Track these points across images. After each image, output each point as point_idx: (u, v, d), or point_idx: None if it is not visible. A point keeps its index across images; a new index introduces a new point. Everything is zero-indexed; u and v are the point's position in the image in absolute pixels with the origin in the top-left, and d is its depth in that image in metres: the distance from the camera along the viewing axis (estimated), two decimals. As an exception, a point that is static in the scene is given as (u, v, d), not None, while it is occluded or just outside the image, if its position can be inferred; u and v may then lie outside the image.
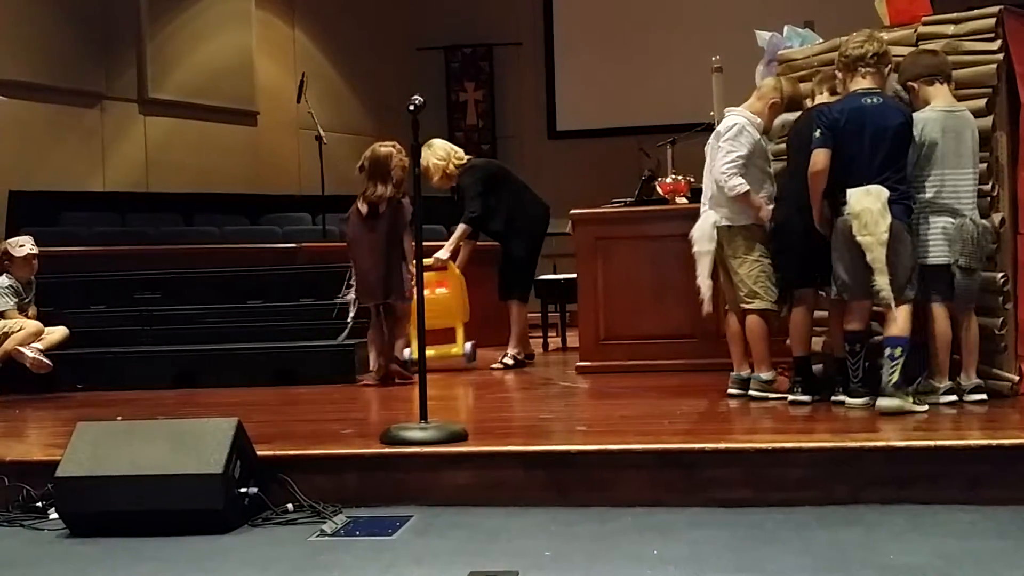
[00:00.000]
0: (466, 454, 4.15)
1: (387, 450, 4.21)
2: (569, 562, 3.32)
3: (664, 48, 13.52)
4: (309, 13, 13.38)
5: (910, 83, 4.94)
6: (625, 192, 7.64)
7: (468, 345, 7.33)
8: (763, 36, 6.23)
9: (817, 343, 5.36)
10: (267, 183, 12.31)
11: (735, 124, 5.27)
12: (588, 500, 3.96)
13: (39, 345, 6.83)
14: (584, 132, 13.91)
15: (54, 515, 3.99)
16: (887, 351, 4.66)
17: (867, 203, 4.64)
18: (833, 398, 5.02)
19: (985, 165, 4.95)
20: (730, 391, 5.40)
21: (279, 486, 4.03)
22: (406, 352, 6.78)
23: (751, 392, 5.29)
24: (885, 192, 4.65)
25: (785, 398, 5.17)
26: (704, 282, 5.38)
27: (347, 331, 6.96)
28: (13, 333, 6.80)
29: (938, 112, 4.83)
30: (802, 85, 5.47)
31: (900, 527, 3.54)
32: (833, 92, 5.12)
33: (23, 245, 7.06)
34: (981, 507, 3.69)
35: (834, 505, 3.79)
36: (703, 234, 5.37)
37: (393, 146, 6.79)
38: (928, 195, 4.81)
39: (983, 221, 4.85)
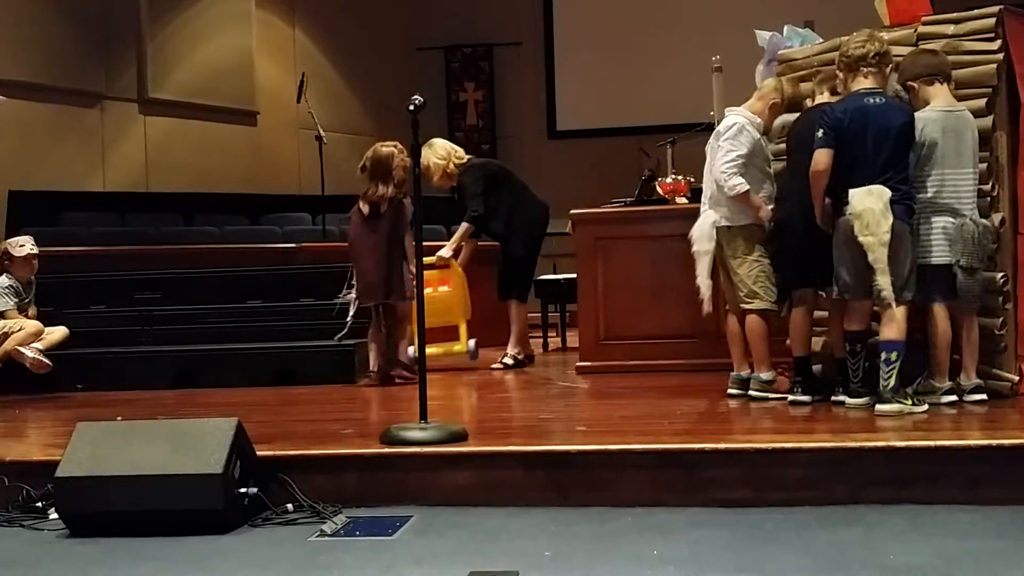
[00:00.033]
0: (466, 454, 4.15)
1: (387, 450, 4.21)
2: (569, 562, 3.32)
3: (664, 48, 13.52)
4: (309, 13, 13.38)
5: (910, 83, 4.94)
6: (625, 192, 7.64)
7: (471, 342, 7.34)
8: (763, 36, 6.23)
9: (817, 343, 5.36)
10: (267, 183, 12.31)
11: (735, 124, 5.27)
12: (588, 500, 3.96)
13: (39, 345, 6.83)
14: (584, 132, 13.92)
15: (54, 515, 3.99)
16: (883, 355, 4.66)
17: (869, 203, 4.64)
18: (833, 398, 5.02)
19: (985, 165, 4.95)
20: (730, 391, 5.40)
21: (279, 486, 4.03)
22: (410, 351, 6.78)
23: (751, 392, 5.29)
24: (887, 192, 4.65)
25: (785, 398, 5.17)
26: (703, 282, 5.38)
27: (345, 331, 6.96)
28: (13, 333, 6.79)
29: (938, 112, 4.83)
30: (802, 85, 5.47)
31: (900, 527, 3.54)
32: (834, 92, 5.12)
33: (23, 245, 7.06)
34: (981, 507, 3.69)
35: (834, 505, 3.79)
36: (702, 234, 5.37)
37: (395, 146, 6.79)
38: (928, 195, 4.81)
39: (983, 221, 4.85)
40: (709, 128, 5.80)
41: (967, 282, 4.78)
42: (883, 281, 4.63)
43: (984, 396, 4.84)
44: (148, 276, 8.30)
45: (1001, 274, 4.99)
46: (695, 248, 5.39)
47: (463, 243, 7.44)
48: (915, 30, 5.27)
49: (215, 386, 6.96)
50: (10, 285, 6.98)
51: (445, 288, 7.28)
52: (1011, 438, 3.97)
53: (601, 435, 4.53)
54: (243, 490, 3.88)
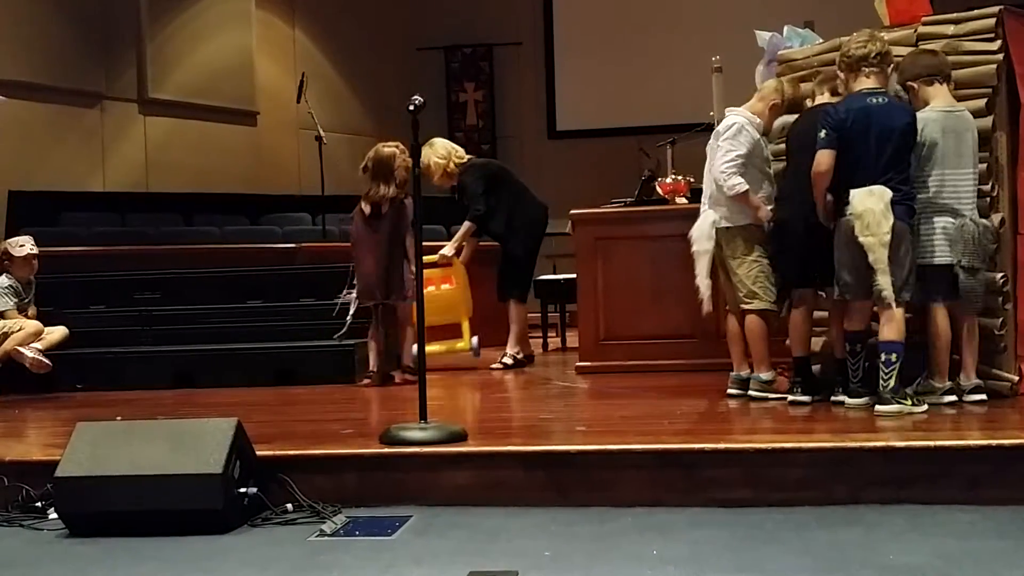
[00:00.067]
0: (466, 454, 4.15)
1: (387, 450, 4.21)
2: (569, 562, 3.32)
3: (664, 48, 13.52)
4: (309, 13, 13.38)
5: (910, 83, 4.94)
6: (625, 192, 7.65)
7: (474, 340, 7.37)
8: (763, 36, 6.23)
9: (817, 343, 5.36)
10: (267, 183, 12.31)
11: (734, 123, 5.26)
12: (588, 500, 3.96)
13: (39, 345, 6.83)
14: (584, 132, 13.92)
15: (53, 515, 3.99)
16: (882, 356, 4.66)
17: (870, 204, 4.63)
18: (833, 398, 5.02)
19: (985, 165, 4.95)
20: (730, 391, 5.40)
21: (279, 486, 4.03)
22: (414, 349, 6.78)
23: (751, 392, 5.29)
24: (888, 193, 4.64)
25: (785, 398, 5.17)
26: (703, 281, 5.37)
27: (344, 330, 6.96)
28: (13, 333, 6.79)
29: (938, 112, 4.83)
30: (802, 86, 5.47)
31: (900, 527, 3.54)
32: (834, 93, 5.12)
33: (23, 245, 7.06)
34: (981, 507, 3.69)
35: (834, 505, 3.79)
36: (702, 233, 5.36)
37: (396, 146, 6.79)
38: (928, 195, 4.81)
39: (983, 221, 4.85)
40: (709, 128, 5.80)
41: (969, 282, 4.77)
42: (883, 281, 4.63)
43: (984, 396, 4.84)
44: (148, 276, 8.30)
45: (1001, 274, 4.99)
46: (695, 248, 5.39)
47: (465, 242, 7.45)
48: (915, 30, 5.27)
49: (215, 386, 6.96)
50: (10, 285, 6.98)
51: (447, 286, 7.32)
52: (1011, 438, 3.97)
53: (601, 435, 4.53)
54: (243, 490, 3.88)
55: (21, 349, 6.76)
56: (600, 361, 6.84)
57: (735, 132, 5.23)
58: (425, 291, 7.10)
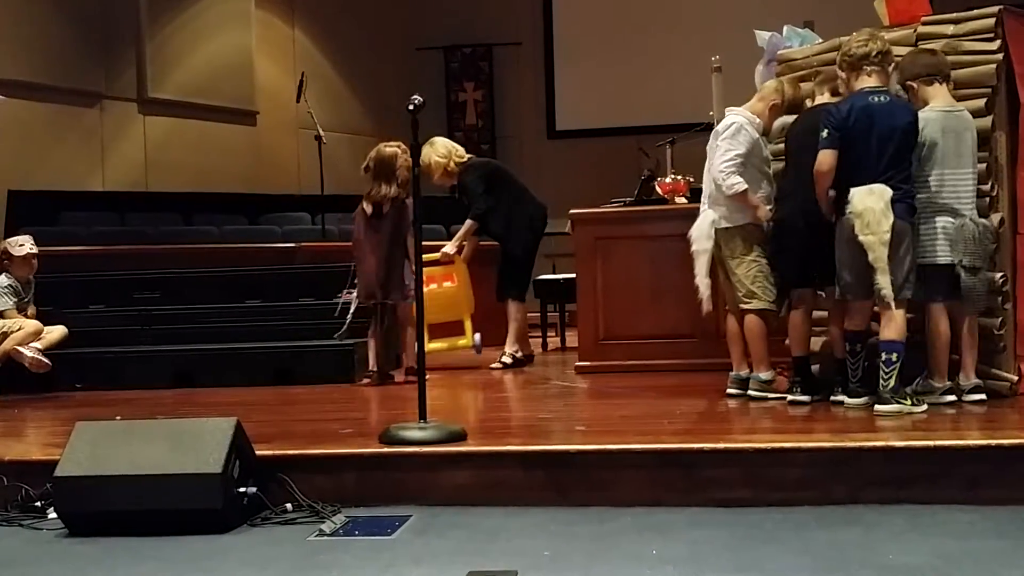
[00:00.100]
0: (465, 454, 4.15)
1: (386, 450, 4.21)
2: (568, 562, 3.32)
3: (664, 48, 13.52)
4: (309, 13, 13.38)
5: (909, 83, 4.94)
6: (625, 192, 7.65)
7: (476, 336, 7.40)
8: (762, 36, 6.23)
9: (816, 343, 5.36)
10: (266, 183, 12.31)
11: (733, 123, 5.27)
12: (587, 500, 3.96)
13: (38, 345, 6.82)
14: (583, 132, 13.92)
15: (53, 515, 3.99)
16: (883, 355, 4.67)
17: (870, 202, 4.63)
18: (832, 398, 5.02)
19: (984, 165, 4.95)
20: (729, 391, 5.40)
21: (278, 486, 4.03)
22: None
23: (750, 392, 5.29)
24: (888, 191, 4.64)
25: (784, 398, 5.17)
26: (702, 281, 5.37)
27: (344, 330, 6.96)
28: (12, 333, 6.79)
29: (938, 112, 4.83)
30: (802, 86, 5.47)
31: (899, 527, 3.54)
32: (834, 93, 5.12)
33: (23, 245, 7.05)
34: (980, 507, 3.69)
35: (833, 505, 3.79)
36: (701, 233, 5.36)
37: (398, 146, 6.79)
38: (928, 195, 4.81)
39: (983, 220, 4.85)
40: (708, 128, 5.80)
41: (971, 281, 4.77)
42: (883, 280, 4.62)
43: (983, 396, 4.84)
44: (147, 276, 8.30)
45: (1000, 274, 4.99)
46: (694, 247, 5.39)
47: (466, 240, 7.47)
48: (915, 30, 5.27)
49: (214, 386, 6.96)
50: (9, 285, 6.98)
51: (449, 284, 7.38)
52: (1010, 438, 3.97)
53: (600, 435, 4.53)
54: (242, 490, 3.88)
55: (20, 349, 6.75)
56: (599, 361, 6.84)
57: (734, 132, 5.23)
58: (427, 289, 7.16)
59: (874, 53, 4.81)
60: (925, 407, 4.67)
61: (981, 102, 4.99)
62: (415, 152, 4.84)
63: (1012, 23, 5.10)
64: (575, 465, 4.06)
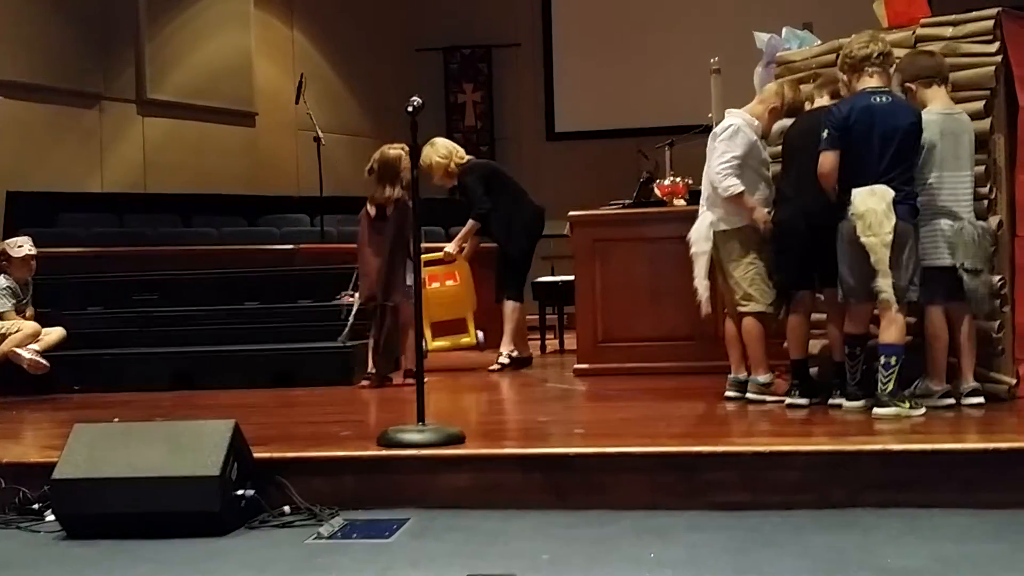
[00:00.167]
0: (464, 457, 4.15)
1: (384, 452, 4.21)
2: (567, 565, 3.32)
3: (663, 49, 13.52)
4: (308, 14, 13.38)
5: (908, 84, 4.93)
6: (623, 194, 7.65)
7: (480, 334, 7.46)
8: (761, 38, 6.23)
9: (815, 346, 5.35)
10: (265, 184, 12.31)
11: (730, 125, 5.26)
12: (586, 503, 3.95)
13: (36, 346, 6.81)
14: (582, 134, 13.92)
15: (50, 517, 3.98)
16: (882, 359, 4.66)
17: (871, 204, 4.62)
18: (831, 401, 5.02)
19: (983, 168, 4.95)
20: (728, 394, 5.39)
21: (276, 488, 4.02)
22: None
23: (748, 395, 5.29)
24: (890, 192, 4.63)
25: (782, 401, 5.16)
26: (701, 283, 5.36)
27: (346, 332, 6.96)
28: (10, 334, 6.78)
29: (936, 115, 4.83)
30: (802, 88, 5.46)
31: (897, 530, 3.54)
32: (834, 96, 5.11)
33: (21, 246, 7.04)
34: (978, 510, 3.69)
35: (831, 508, 3.79)
36: (700, 235, 5.36)
37: (402, 148, 6.78)
38: (926, 198, 4.80)
39: (981, 223, 4.85)
40: (707, 130, 5.79)
41: (974, 284, 4.77)
42: (884, 283, 4.62)
43: (981, 399, 4.83)
44: (146, 277, 8.29)
45: (999, 277, 4.99)
46: (693, 249, 5.39)
47: (467, 240, 7.49)
48: (913, 32, 5.27)
49: (213, 388, 6.96)
50: (8, 286, 6.96)
51: (451, 282, 7.43)
52: (1008, 441, 3.97)
53: (599, 438, 4.53)
54: (240, 492, 3.88)
55: (19, 350, 6.74)
56: (598, 363, 6.83)
57: (731, 133, 5.23)
58: (430, 287, 7.20)
59: (875, 54, 4.81)
60: (923, 410, 4.66)
61: (980, 104, 4.99)
62: (416, 154, 4.84)
63: (1011, 25, 5.10)
64: (574, 468, 4.06)
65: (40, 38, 10.54)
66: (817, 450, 4.00)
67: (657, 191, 7.20)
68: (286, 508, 3.97)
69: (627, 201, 7.37)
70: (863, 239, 4.63)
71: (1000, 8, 5.12)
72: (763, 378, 5.27)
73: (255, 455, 4.07)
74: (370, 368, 6.80)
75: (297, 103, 10.69)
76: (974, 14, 5.16)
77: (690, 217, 5.58)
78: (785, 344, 5.24)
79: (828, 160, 4.76)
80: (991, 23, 5.07)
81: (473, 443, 4.32)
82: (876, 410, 4.64)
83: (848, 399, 4.87)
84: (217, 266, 8.54)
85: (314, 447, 4.42)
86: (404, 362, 6.86)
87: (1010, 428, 4.50)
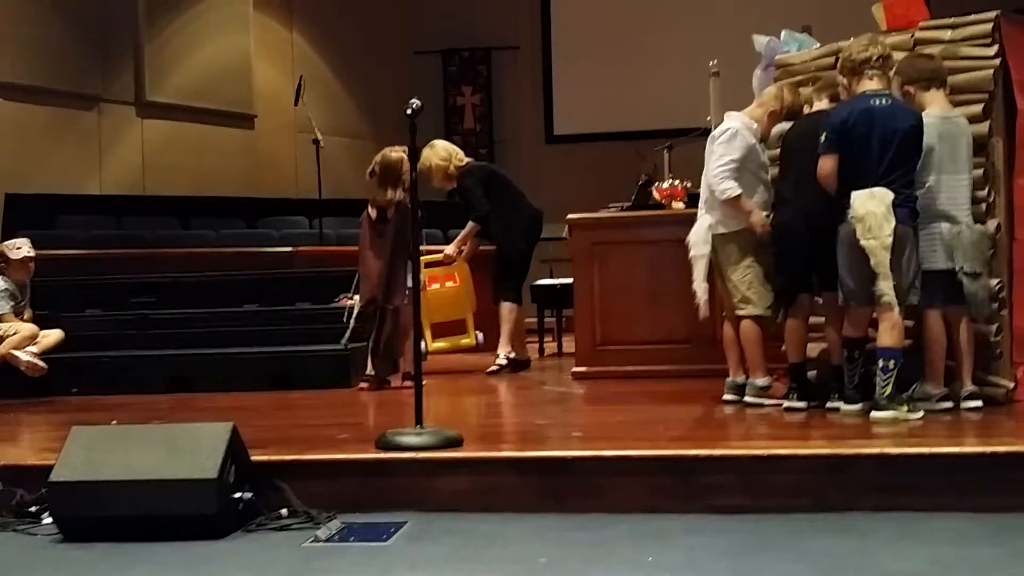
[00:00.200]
0: (461, 460, 4.15)
1: (382, 455, 4.21)
2: (564, 568, 3.32)
3: (662, 52, 13.51)
4: (307, 16, 13.37)
5: (906, 87, 4.94)
6: (622, 197, 7.65)
7: (479, 335, 7.47)
8: (760, 41, 6.24)
9: (814, 349, 5.35)
10: (264, 186, 12.30)
11: (729, 128, 5.26)
12: (584, 506, 3.96)
13: (34, 348, 6.81)
14: (581, 136, 13.90)
15: (48, 520, 3.98)
16: (880, 363, 4.66)
17: (871, 206, 4.62)
18: (828, 404, 5.01)
19: (981, 171, 4.95)
20: (726, 397, 5.39)
21: (274, 491, 4.02)
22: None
23: (746, 398, 5.29)
24: (889, 195, 4.63)
25: (780, 404, 5.16)
26: (700, 285, 5.36)
27: (348, 334, 6.97)
28: (8, 337, 6.78)
29: (934, 118, 4.83)
30: (801, 91, 5.46)
31: (895, 534, 3.55)
32: (833, 99, 5.11)
33: (20, 248, 7.04)
34: (975, 514, 3.69)
35: (829, 512, 3.79)
36: (699, 238, 5.36)
37: (403, 151, 6.77)
38: (924, 201, 4.80)
39: (979, 226, 4.85)
40: (706, 133, 5.79)
41: (974, 287, 4.77)
42: (884, 286, 4.62)
43: (979, 403, 4.83)
44: (144, 279, 8.29)
45: (997, 280, 4.99)
46: (692, 252, 5.39)
47: (467, 242, 7.49)
48: (912, 35, 5.28)
49: (211, 390, 6.94)
50: (6, 288, 6.96)
51: (451, 284, 7.44)
52: (1006, 445, 3.98)
53: (597, 441, 4.53)
54: (238, 495, 3.88)
55: (16, 352, 6.74)
56: (596, 366, 6.82)
57: (729, 136, 5.23)
58: (429, 288, 7.21)
59: (875, 57, 4.81)
60: (921, 414, 4.66)
61: (978, 108, 4.99)
62: (415, 156, 4.85)
63: (1009, 28, 5.11)
64: (572, 471, 4.06)
65: (39, 40, 10.53)
66: (815, 453, 4.01)
67: (656, 194, 7.20)
68: (284, 511, 3.97)
69: (626, 204, 7.37)
70: (863, 242, 4.63)
71: (999, 11, 5.12)
72: (761, 381, 5.27)
73: (253, 458, 4.07)
74: (369, 370, 6.80)
75: (296, 105, 10.67)
76: (973, 17, 5.16)
77: (689, 220, 5.58)
78: (783, 347, 5.24)
79: (827, 164, 4.75)
80: (990, 26, 5.08)
81: (471, 446, 4.32)
82: (874, 413, 4.64)
83: (846, 402, 4.87)
84: (216, 268, 8.53)
85: (312, 450, 4.42)
86: (403, 365, 6.86)
87: (1008, 432, 4.50)
